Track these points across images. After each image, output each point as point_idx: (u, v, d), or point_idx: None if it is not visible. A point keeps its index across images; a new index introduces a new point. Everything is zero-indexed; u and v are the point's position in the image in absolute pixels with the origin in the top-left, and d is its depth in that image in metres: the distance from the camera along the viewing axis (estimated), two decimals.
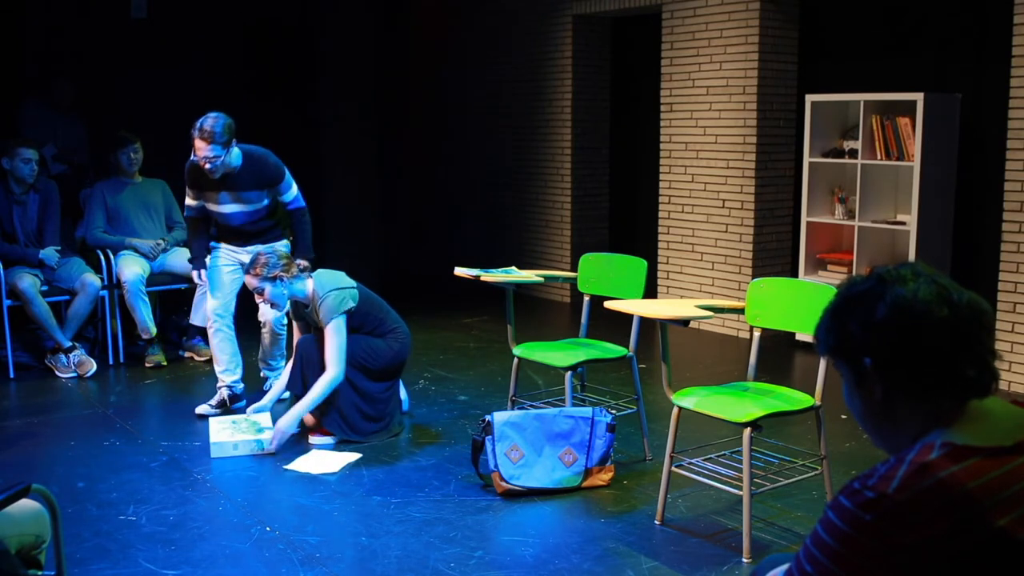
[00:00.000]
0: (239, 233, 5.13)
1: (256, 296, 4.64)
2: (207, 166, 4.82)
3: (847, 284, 1.51)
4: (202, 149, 4.78)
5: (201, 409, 5.09)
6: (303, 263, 4.65)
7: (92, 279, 5.94)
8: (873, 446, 1.58)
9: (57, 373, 5.83)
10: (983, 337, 1.43)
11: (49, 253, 5.91)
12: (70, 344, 5.85)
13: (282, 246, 5.05)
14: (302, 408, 4.51)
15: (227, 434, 4.53)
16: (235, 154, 4.90)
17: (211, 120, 4.78)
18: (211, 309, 5.15)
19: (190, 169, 5.03)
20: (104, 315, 6.21)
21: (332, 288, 4.54)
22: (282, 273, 4.51)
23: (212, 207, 5.07)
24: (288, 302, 4.69)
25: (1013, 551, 1.30)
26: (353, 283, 4.67)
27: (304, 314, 4.71)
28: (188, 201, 5.18)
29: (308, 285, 4.59)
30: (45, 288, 5.87)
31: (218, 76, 8.42)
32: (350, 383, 4.57)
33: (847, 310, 1.48)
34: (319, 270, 4.75)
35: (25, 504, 2.43)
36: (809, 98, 6.40)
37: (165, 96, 8.00)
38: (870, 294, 1.45)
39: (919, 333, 1.41)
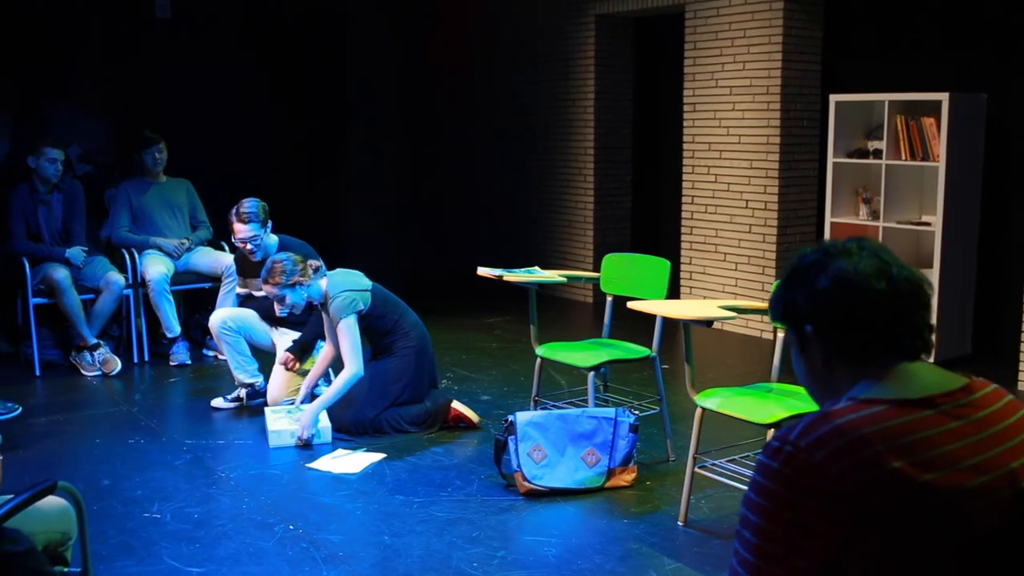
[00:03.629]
0: (274, 317, 5.26)
1: (276, 304, 4.69)
2: (248, 247, 5.06)
3: (797, 256, 1.58)
4: (241, 231, 5.05)
5: (217, 402, 5.18)
6: (316, 263, 4.70)
7: (116, 278, 5.98)
8: None
9: (82, 371, 5.87)
10: (920, 311, 1.50)
11: (75, 252, 5.95)
12: (95, 341, 5.89)
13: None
14: (320, 405, 4.57)
15: (284, 423, 4.62)
16: (273, 240, 5.16)
17: (246, 203, 5.08)
18: (220, 318, 5.20)
19: (238, 258, 5.37)
20: (129, 314, 6.25)
21: (344, 289, 4.62)
22: (300, 278, 4.61)
23: (256, 293, 5.25)
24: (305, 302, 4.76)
25: (925, 497, 1.33)
26: (368, 284, 4.73)
27: (320, 309, 4.82)
28: (238, 289, 5.49)
29: (322, 284, 4.67)
30: None
31: (243, 77, 8.46)
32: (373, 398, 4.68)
33: (794, 281, 1.55)
34: (336, 269, 4.83)
35: (51, 501, 2.45)
36: (833, 98, 6.37)
37: (190, 96, 8.05)
38: (815, 266, 1.52)
39: (856, 304, 1.47)
